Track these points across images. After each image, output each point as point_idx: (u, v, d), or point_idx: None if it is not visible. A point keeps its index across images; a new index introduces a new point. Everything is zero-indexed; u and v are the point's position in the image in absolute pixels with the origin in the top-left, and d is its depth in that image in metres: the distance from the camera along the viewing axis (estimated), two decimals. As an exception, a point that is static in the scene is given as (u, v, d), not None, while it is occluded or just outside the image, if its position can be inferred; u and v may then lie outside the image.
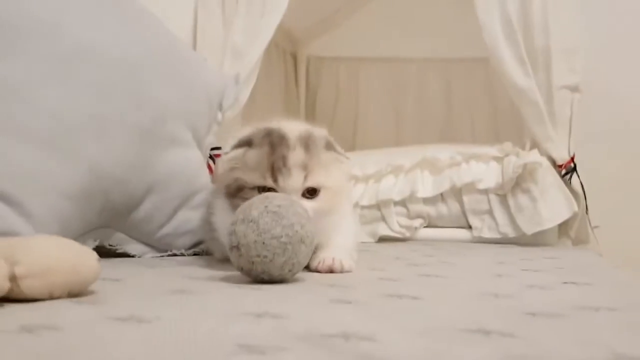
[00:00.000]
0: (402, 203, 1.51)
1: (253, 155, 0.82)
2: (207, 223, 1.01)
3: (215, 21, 1.65)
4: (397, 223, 1.49)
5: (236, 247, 0.70)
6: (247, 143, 0.83)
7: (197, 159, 1.14)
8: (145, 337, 0.43)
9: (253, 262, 0.69)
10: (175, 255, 1.07)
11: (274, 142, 0.81)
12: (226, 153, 0.85)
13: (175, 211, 1.05)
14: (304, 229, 0.71)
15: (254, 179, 0.81)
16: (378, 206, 1.51)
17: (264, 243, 0.69)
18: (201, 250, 1.10)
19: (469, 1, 1.53)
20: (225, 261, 0.94)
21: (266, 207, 0.71)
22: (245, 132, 0.86)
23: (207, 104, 1.23)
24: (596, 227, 1.50)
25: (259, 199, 0.73)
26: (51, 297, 0.56)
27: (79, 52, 0.87)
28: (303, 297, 0.64)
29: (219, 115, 1.33)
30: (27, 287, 0.54)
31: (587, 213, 1.48)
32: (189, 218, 1.07)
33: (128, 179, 0.94)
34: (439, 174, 1.52)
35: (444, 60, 2.29)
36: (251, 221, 0.70)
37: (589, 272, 0.94)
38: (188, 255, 1.08)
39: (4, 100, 0.77)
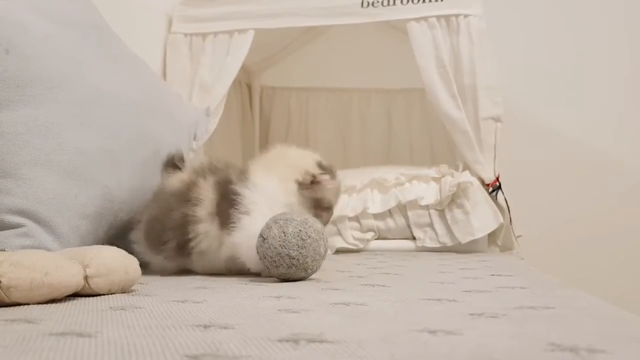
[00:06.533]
0: (355, 218, 1.61)
1: (331, 181, 1.07)
2: None
3: (184, 58, 1.75)
4: (351, 236, 1.59)
5: (266, 262, 0.89)
6: (328, 171, 1.07)
7: (182, 183, 1.30)
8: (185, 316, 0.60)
9: (272, 274, 0.90)
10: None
11: (334, 171, 1.09)
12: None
13: (167, 229, 1.21)
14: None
15: (332, 197, 1.07)
16: (334, 222, 1.58)
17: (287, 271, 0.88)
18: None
19: (407, 38, 1.66)
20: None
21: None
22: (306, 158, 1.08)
23: (186, 135, 1.39)
24: (519, 236, 1.62)
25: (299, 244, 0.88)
26: (110, 293, 0.72)
27: (95, 97, 1.01)
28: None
29: (194, 144, 1.49)
30: (95, 284, 0.70)
31: (511, 224, 1.61)
32: (178, 235, 1.23)
33: (132, 201, 1.09)
34: (386, 192, 1.62)
35: (385, 91, 2.39)
36: (293, 260, 0.88)
37: (511, 269, 1.11)
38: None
39: (40, 137, 0.91)
